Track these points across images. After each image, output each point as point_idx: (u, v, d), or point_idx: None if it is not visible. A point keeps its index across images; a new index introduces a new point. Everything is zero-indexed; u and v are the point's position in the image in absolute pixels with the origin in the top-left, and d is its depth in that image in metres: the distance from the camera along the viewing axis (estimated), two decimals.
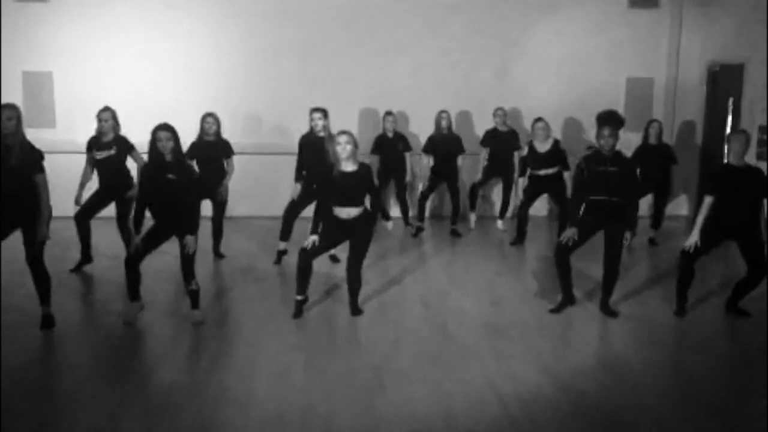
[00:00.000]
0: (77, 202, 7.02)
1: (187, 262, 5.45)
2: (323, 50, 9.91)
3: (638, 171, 8.32)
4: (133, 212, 5.64)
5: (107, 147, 6.97)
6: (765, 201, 5.75)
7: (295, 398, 4.31)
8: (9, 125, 5.16)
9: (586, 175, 5.73)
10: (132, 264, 5.47)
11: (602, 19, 10.18)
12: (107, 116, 6.93)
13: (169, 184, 5.34)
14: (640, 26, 10.24)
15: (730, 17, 9.83)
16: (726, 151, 5.71)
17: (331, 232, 5.77)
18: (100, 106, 7.16)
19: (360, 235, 5.75)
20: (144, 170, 5.50)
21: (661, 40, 10.30)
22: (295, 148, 7.40)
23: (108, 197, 7.11)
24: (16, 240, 5.33)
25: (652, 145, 8.56)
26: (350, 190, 5.65)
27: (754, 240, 5.72)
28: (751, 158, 6.53)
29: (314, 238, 5.66)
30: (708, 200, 5.75)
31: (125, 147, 7.02)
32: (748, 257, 5.77)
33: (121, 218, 7.08)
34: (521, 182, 8.59)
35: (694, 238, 5.73)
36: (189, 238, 5.36)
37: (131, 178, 7.08)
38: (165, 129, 5.38)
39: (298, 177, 7.26)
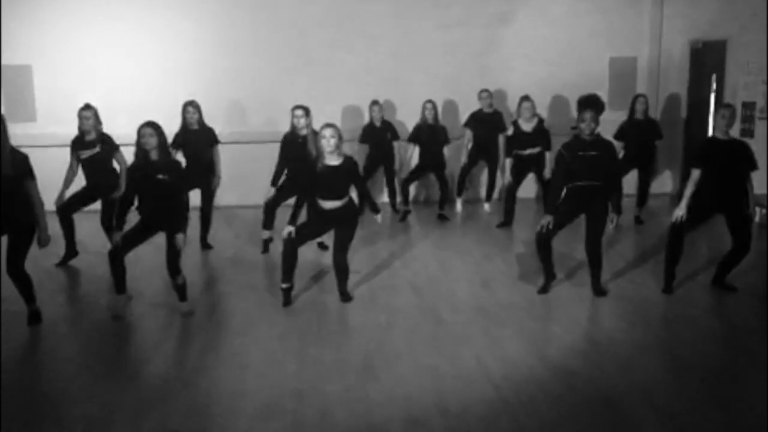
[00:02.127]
0: (58, 201, 6.91)
1: (173, 258, 5.41)
2: (305, 39, 9.84)
3: (623, 146, 8.43)
4: (116, 210, 5.59)
5: (91, 146, 6.88)
6: (751, 175, 5.78)
7: (287, 386, 4.30)
8: None
9: (568, 161, 5.73)
10: (116, 257, 5.43)
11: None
12: (88, 114, 6.83)
13: (159, 184, 5.29)
14: (622, 5, 10.24)
15: None
16: (712, 125, 5.74)
17: (315, 222, 5.76)
18: (81, 99, 7.10)
19: (345, 225, 5.73)
20: (132, 169, 5.44)
21: (644, 18, 10.31)
22: (279, 137, 7.36)
23: (93, 195, 7.05)
24: None
25: (638, 120, 8.57)
26: (335, 184, 5.62)
27: (740, 214, 5.76)
28: (734, 134, 6.55)
29: (290, 229, 5.63)
30: (695, 174, 5.78)
31: (110, 145, 6.95)
32: (734, 231, 5.82)
33: (105, 217, 7.02)
34: (507, 163, 8.56)
35: (681, 210, 5.76)
36: (179, 237, 5.32)
37: (117, 176, 7.00)
38: (148, 125, 5.34)
39: (276, 180, 7.21)
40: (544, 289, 6.03)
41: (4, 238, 5.28)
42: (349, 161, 5.68)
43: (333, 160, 5.60)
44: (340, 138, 5.58)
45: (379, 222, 6.24)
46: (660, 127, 8.75)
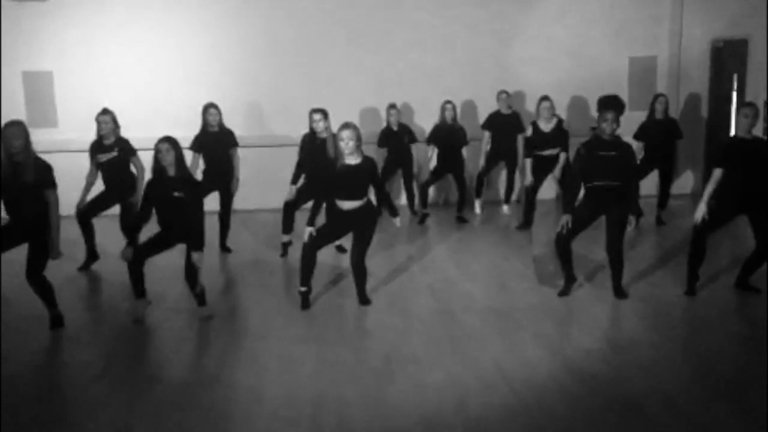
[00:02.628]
0: (79, 206, 6.99)
1: (192, 272, 5.44)
2: (323, 43, 9.85)
3: (644, 146, 8.35)
4: (131, 224, 5.64)
5: (109, 150, 6.95)
6: None
7: (305, 389, 4.30)
8: (17, 144, 5.11)
9: (585, 160, 5.69)
10: (134, 265, 5.46)
11: None
12: (107, 119, 6.90)
13: (175, 201, 5.32)
14: (641, 4, 10.14)
15: None
16: (734, 124, 5.68)
17: (334, 224, 5.76)
18: (102, 104, 7.15)
19: (363, 227, 5.72)
20: (148, 186, 5.47)
21: (664, 17, 10.21)
22: (297, 140, 7.38)
23: (112, 199, 7.11)
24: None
25: (658, 119, 8.48)
26: (354, 183, 5.61)
27: (764, 214, 5.68)
28: (757, 133, 6.45)
29: (311, 230, 5.64)
30: (717, 173, 5.71)
31: (127, 150, 7.00)
32: (758, 232, 5.74)
33: (124, 222, 7.07)
34: (527, 164, 8.49)
35: (701, 212, 5.70)
36: (195, 256, 5.34)
37: (135, 180, 7.04)
38: (164, 141, 5.35)
39: (295, 180, 7.23)
40: (564, 292, 5.98)
41: (22, 246, 5.31)
42: (368, 161, 5.67)
43: (352, 160, 5.59)
44: (358, 138, 5.56)
45: (398, 226, 6.21)
46: (680, 126, 8.66)
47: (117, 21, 9.60)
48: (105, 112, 6.94)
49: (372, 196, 5.83)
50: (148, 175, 5.64)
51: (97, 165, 7.01)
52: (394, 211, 6.02)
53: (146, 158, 6.12)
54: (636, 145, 8.15)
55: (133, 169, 7.08)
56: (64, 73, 9.64)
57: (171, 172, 5.36)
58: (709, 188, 5.74)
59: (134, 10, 9.61)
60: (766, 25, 9.22)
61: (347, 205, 5.64)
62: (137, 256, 5.44)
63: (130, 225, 5.54)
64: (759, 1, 9.38)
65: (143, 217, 5.53)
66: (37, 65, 9.58)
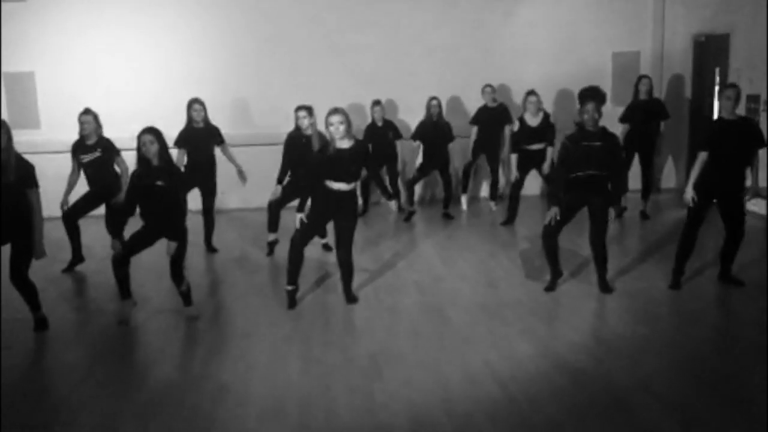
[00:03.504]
0: (62, 207, 6.95)
1: (176, 266, 5.42)
2: (308, 40, 9.82)
3: (626, 130, 8.38)
4: (115, 218, 5.60)
5: (92, 150, 6.89)
6: (758, 152, 5.74)
7: (293, 388, 4.30)
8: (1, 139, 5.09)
9: (571, 152, 5.71)
10: (119, 263, 5.43)
11: None
12: (89, 119, 6.85)
13: (157, 190, 5.29)
14: (624, 0, 10.19)
15: None
16: (717, 106, 5.68)
17: (320, 207, 5.67)
18: (84, 105, 7.08)
19: (346, 211, 5.67)
20: (133, 177, 5.44)
21: (646, 12, 10.26)
22: (283, 139, 7.35)
23: (97, 199, 7.06)
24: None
25: (642, 100, 8.53)
26: (345, 165, 5.57)
27: (735, 198, 5.73)
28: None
29: (301, 215, 5.62)
30: (702, 155, 5.74)
31: (110, 149, 6.95)
32: (728, 217, 5.78)
33: (109, 222, 7.03)
34: (513, 159, 8.49)
35: (689, 193, 5.73)
36: (170, 244, 5.33)
37: (119, 180, 7.00)
38: (148, 132, 5.32)
39: (281, 178, 7.21)
40: (550, 287, 6.00)
41: (5, 248, 5.27)
42: (360, 144, 5.67)
43: (344, 144, 5.57)
44: (348, 122, 5.54)
45: (394, 210, 6.19)
46: (665, 106, 8.69)
47: (99, 21, 9.53)
48: (87, 111, 6.88)
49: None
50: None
51: (79, 165, 6.96)
52: (388, 194, 6.01)
53: (130, 158, 6.07)
54: (623, 128, 8.20)
55: (117, 168, 7.03)
56: (46, 73, 9.56)
57: (154, 162, 5.33)
58: (695, 171, 5.76)
59: (116, 10, 9.53)
60: (748, 20, 9.27)
61: (337, 185, 5.59)
62: (123, 254, 5.41)
63: (117, 221, 5.49)
64: None
65: (128, 208, 5.48)
66: (19, 66, 9.48)
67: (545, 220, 5.82)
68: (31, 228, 5.20)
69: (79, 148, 6.94)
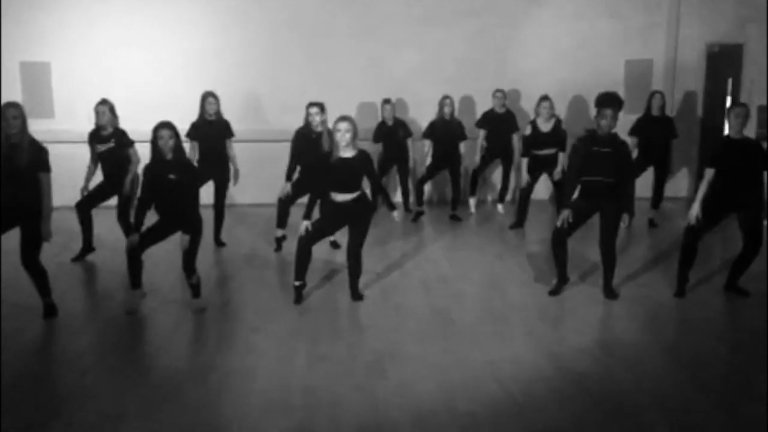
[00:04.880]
0: (82, 192, 7.04)
1: (188, 258, 5.48)
2: (322, 38, 9.87)
3: (638, 143, 8.40)
4: (134, 209, 5.65)
5: (107, 140, 6.97)
6: (765, 174, 5.75)
7: (297, 383, 4.34)
8: (15, 124, 5.17)
9: (582, 155, 5.73)
10: (134, 253, 5.49)
11: (600, 2, 10.14)
12: (104, 109, 6.92)
13: (170, 183, 5.35)
14: (638, 8, 10.19)
15: None
16: (726, 125, 5.73)
17: (329, 218, 5.79)
18: (99, 96, 7.16)
19: (358, 220, 5.75)
20: (146, 170, 5.49)
21: (660, 21, 10.26)
22: (292, 135, 7.39)
23: (110, 190, 7.13)
24: (14, 231, 5.34)
25: (654, 116, 8.54)
26: (348, 176, 5.64)
27: (753, 213, 5.74)
28: (749, 134, 6.50)
29: (307, 223, 5.67)
30: (709, 173, 5.76)
31: (124, 140, 7.02)
32: (746, 230, 5.79)
33: (122, 213, 7.10)
34: (524, 163, 8.50)
35: (695, 211, 5.75)
36: (183, 237, 5.38)
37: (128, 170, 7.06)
38: (166, 127, 5.37)
39: (290, 175, 7.25)
40: (555, 291, 6.02)
41: (16, 232, 5.33)
42: (362, 154, 5.70)
43: (347, 153, 5.62)
44: (354, 132, 5.59)
45: (397, 220, 6.21)
46: (675, 125, 8.72)
47: (116, 12, 9.61)
48: (103, 102, 6.96)
49: (367, 190, 5.85)
50: (141, 168, 5.65)
51: (95, 154, 7.04)
52: (391, 205, 6.04)
53: (143, 150, 6.13)
54: (631, 142, 8.20)
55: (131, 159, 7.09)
56: (62, 64, 9.64)
57: (168, 156, 5.38)
58: (702, 188, 5.78)
59: (133, 2, 9.61)
60: (765, 30, 9.27)
61: (341, 197, 5.68)
62: (137, 247, 5.47)
63: (135, 213, 5.53)
64: (754, 7, 9.44)
65: (146, 202, 5.51)
66: (35, 56, 9.57)
67: (557, 223, 5.84)
68: (41, 211, 5.25)
69: (94, 138, 7.02)
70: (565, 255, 5.96)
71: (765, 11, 9.21)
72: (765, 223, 5.83)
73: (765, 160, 5.71)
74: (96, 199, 7.13)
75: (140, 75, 9.69)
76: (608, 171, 5.69)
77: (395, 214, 6.04)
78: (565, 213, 5.76)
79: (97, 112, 6.93)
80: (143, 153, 6.13)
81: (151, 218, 5.56)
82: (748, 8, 9.52)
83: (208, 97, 7.55)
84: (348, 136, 5.53)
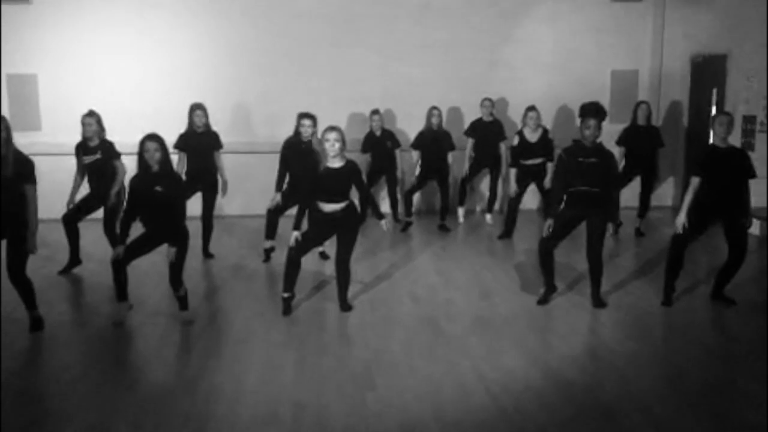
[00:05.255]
0: (68, 205, 7.00)
1: (175, 271, 5.46)
2: (310, 50, 9.91)
3: (624, 152, 8.47)
4: (119, 221, 5.62)
5: (93, 152, 6.95)
6: (749, 182, 5.80)
7: (286, 394, 4.33)
8: (1, 137, 5.14)
9: (567, 165, 5.78)
10: (120, 266, 5.46)
11: (586, 13, 10.24)
12: (91, 121, 6.91)
13: (156, 196, 5.33)
14: (623, 19, 10.30)
15: (713, 8, 9.90)
16: (711, 133, 5.79)
17: (317, 228, 5.80)
18: (86, 108, 7.14)
19: (346, 229, 5.77)
20: (132, 181, 5.47)
21: (645, 32, 10.37)
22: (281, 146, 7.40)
23: (96, 202, 7.10)
24: None
25: (640, 126, 8.61)
26: (336, 186, 5.66)
27: (738, 223, 5.79)
28: (734, 143, 6.56)
29: (297, 234, 5.67)
30: (695, 181, 5.80)
31: (111, 152, 7.00)
32: (731, 240, 5.84)
33: (108, 225, 7.07)
34: (512, 174, 8.53)
35: (681, 219, 5.78)
36: (170, 250, 5.37)
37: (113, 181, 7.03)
38: (153, 139, 5.35)
39: (280, 185, 7.25)
40: (543, 300, 6.04)
41: (3, 243, 5.30)
42: (350, 164, 5.72)
43: (335, 163, 5.64)
44: (343, 141, 5.62)
45: (385, 229, 6.21)
46: (661, 134, 8.78)
47: (102, 24, 9.61)
48: (90, 113, 6.95)
49: (355, 199, 5.87)
50: (128, 179, 5.63)
51: (82, 166, 7.01)
52: (380, 215, 6.04)
53: (129, 162, 6.11)
54: (618, 152, 8.25)
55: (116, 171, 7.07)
56: (49, 76, 9.62)
57: (155, 168, 5.37)
58: (688, 197, 5.82)
59: (120, 14, 9.62)
60: (746, 41, 9.38)
61: (329, 207, 5.69)
62: (122, 260, 5.44)
63: (120, 225, 5.51)
64: (738, 18, 9.56)
65: (131, 214, 5.49)
66: (21, 68, 9.55)
67: (543, 233, 5.87)
68: (26, 224, 5.22)
69: (81, 149, 7.00)
70: (552, 264, 5.99)
71: (748, 22, 9.31)
72: (755, 233, 5.88)
73: (750, 169, 5.77)
74: (82, 211, 7.10)
75: (128, 87, 9.69)
76: (594, 181, 5.74)
77: (383, 223, 6.04)
78: (548, 222, 5.80)
79: (84, 124, 6.91)
80: (130, 165, 6.11)
81: (137, 230, 5.54)
82: (732, 19, 9.63)
83: (196, 109, 7.55)
84: (337, 146, 5.56)
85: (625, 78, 10.37)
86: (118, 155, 7.03)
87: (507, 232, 8.63)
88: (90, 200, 7.10)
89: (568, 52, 10.25)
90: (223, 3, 9.77)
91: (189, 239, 5.53)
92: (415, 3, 10.01)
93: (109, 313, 5.73)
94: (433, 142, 8.92)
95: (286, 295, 5.80)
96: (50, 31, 9.56)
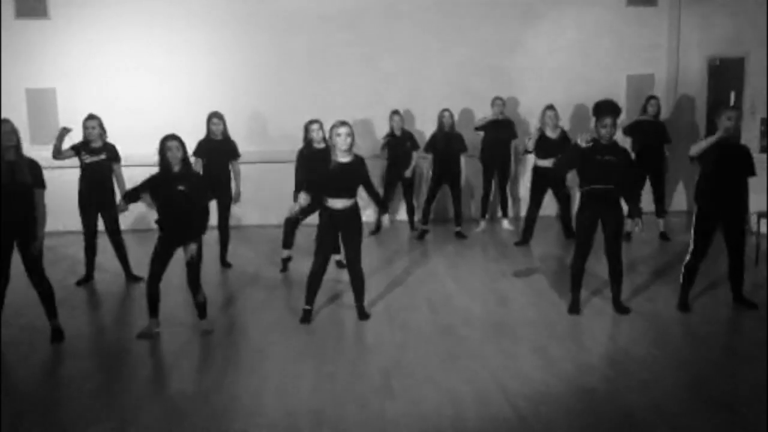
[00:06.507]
0: (57, 149, 6.98)
1: (193, 273, 5.48)
2: (325, 56, 9.96)
3: (632, 146, 8.43)
4: (128, 191, 5.62)
5: (97, 152, 7.00)
6: (748, 180, 5.80)
7: (304, 403, 4.33)
8: (13, 139, 5.23)
9: (583, 164, 5.76)
10: (153, 283, 5.49)
11: (601, 17, 10.21)
12: (93, 124, 6.98)
13: (179, 195, 5.36)
14: (639, 24, 10.26)
15: (729, 11, 9.84)
16: (718, 126, 5.77)
17: (325, 231, 5.78)
18: (104, 120, 7.19)
19: (350, 231, 5.77)
20: (153, 179, 5.47)
21: (661, 36, 10.31)
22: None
23: (94, 208, 7.07)
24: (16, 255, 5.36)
25: (648, 120, 8.58)
26: (344, 181, 5.68)
27: (737, 227, 5.77)
28: (753, 151, 6.52)
29: (304, 195, 5.68)
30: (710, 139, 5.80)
31: (114, 155, 7.06)
32: (730, 243, 5.83)
33: (112, 234, 7.10)
34: (522, 177, 8.49)
35: (702, 144, 5.81)
36: (191, 247, 5.39)
37: (114, 187, 7.08)
38: (174, 139, 5.40)
39: (299, 189, 7.24)
40: (574, 309, 5.98)
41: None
42: (358, 159, 5.75)
43: (345, 158, 5.67)
44: (353, 137, 5.66)
45: (387, 225, 6.20)
46: (668, 130, 8.72)
47: (121, 39, 9.71)
48: (92, 117, 7.02)
49: (359, 200, 5.87)
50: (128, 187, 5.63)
51: (80, 163, 7.03)
52: (383, 207, 6.06)
53: (144, 173, 6.12)
54: (623, 141, 8.22)
55: (114, 175, 7.10)
56: (67, 90, 9.72)
57: (176, 168, 5.40)
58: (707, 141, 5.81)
59: (138, 28, 9.72)
60: (765, 43, 9.31)
61: (338, 204, 5.69)
62: (153, 276, 5.46)
63: (129, 192, 5.53)
64: (755, 20, 9.49)
65: (140, 191, 5.47)
66: (40, 82, 9.67)
67: (579, 139, 5.79)
68: (34, 226, 5.29)
69: (83, 147, 7.02)
70: (581, 279, 5.98)
71: (765, 25, 9.24)
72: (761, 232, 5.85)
73: (750, 167, 5.76)
74: (93, 225, 7.07)
75: (145, 99, 9.77)
76: (610, 179, 5.72)
77: (385, 217, 6.05)
78: (586, 135, 5.77)
79: (86, 127, 6.98)
80: (144, 175, 6.09)
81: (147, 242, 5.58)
82: (749, 21, 9.56)
83: (212, 117, 7.62)
84: (349, 140, 5.60)
85: (641, 82, 10.31)
86: (119, 159, 7.11)
87: (525, 239, 8.57)
88: (88, 209, 7.03)
89: (584, 55, 10.21)
90: (240, 15, 9.84)
91: (204, 233, 5.53)
92: (428, 6, 10.00)
93: (142, 332, 5.63)
94: (446, 144, 8.90)
95: (307, 307, 5.83)
96: (68, 46, 9.68)
